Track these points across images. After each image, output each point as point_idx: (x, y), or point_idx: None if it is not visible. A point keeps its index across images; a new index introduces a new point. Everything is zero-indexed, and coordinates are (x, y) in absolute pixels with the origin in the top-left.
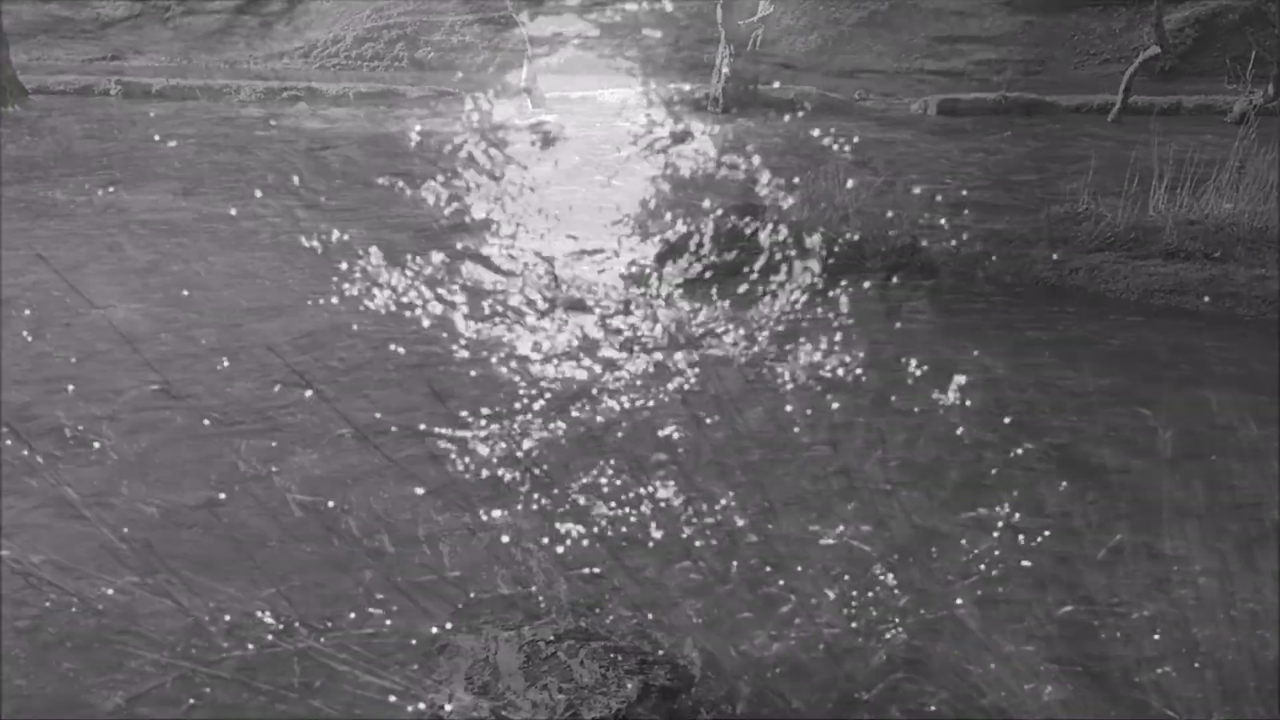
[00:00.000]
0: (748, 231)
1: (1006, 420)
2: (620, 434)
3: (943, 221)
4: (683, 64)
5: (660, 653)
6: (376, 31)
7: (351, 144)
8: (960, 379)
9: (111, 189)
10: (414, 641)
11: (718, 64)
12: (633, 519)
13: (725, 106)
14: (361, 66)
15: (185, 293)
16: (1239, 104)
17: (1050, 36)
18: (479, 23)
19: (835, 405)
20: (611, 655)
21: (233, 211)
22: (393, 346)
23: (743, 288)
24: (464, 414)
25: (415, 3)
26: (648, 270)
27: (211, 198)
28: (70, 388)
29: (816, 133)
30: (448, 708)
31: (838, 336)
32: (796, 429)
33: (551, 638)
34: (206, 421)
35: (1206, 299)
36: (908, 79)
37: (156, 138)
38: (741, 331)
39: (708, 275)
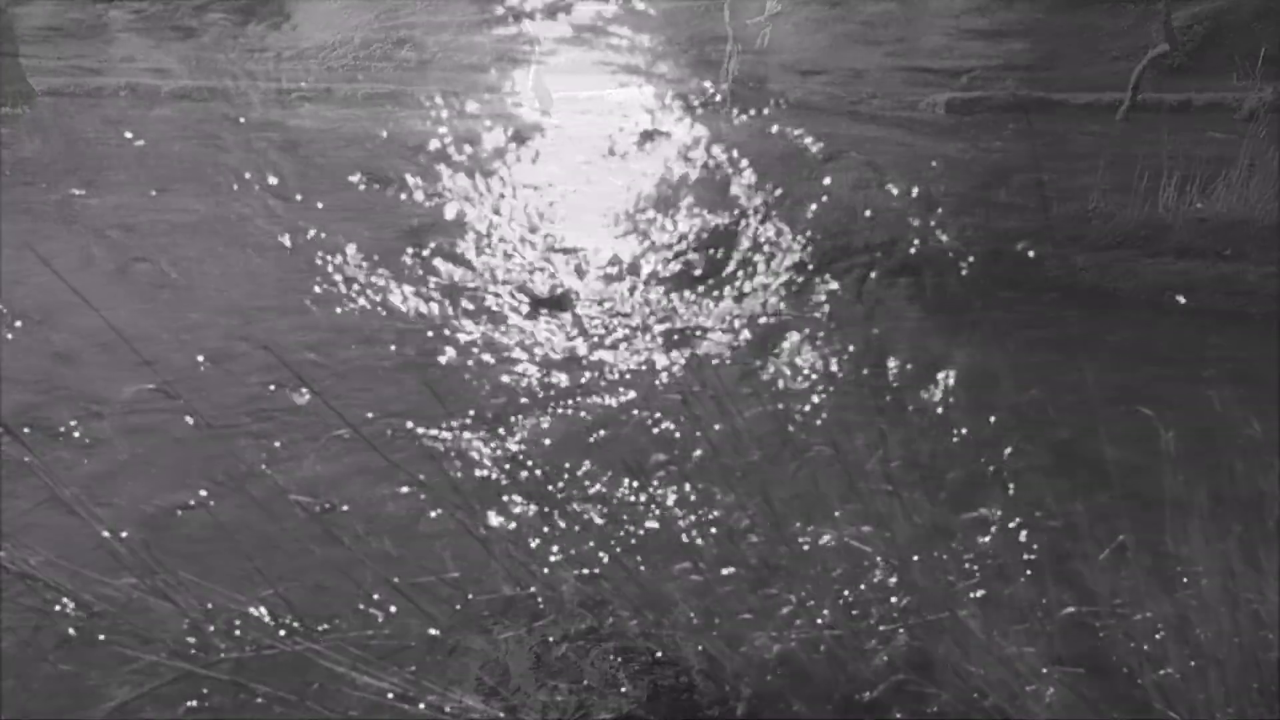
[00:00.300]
0: (733, 230)
1: (1008, 418)
2: (615, 432)
3: (947, 220)
4: (690, 63)
5: (662, 654)
6: (386, 32)
7: (350, 145)
8: (961, 376)
9: (112, 190)
10: (412, 643)
11: (725, 63)
12: (631, 518)
13: (732, 106)
14: (370, 67)
15: (181, 293)
16: (1249, 101)
17: (1059, 34)
18: (486, 24)
19: (829, 402)
20: (622, 655)
21: (233, 212)
22: (383, 346)
23: (726, 286)
24: (458, 413)
25: (422, 4)
26: (629, 268)
27: (212, 198)
28: (66, 387)
29: (821, 131)
30: (455, 709)
31: (826, 333)
32: (792, 427)
33: (561, 638)
34: (199, 421)
35: (1218, 296)
36: (917, 77)
37: (161, 140)
38: (726, 328)
39: (691, 273)
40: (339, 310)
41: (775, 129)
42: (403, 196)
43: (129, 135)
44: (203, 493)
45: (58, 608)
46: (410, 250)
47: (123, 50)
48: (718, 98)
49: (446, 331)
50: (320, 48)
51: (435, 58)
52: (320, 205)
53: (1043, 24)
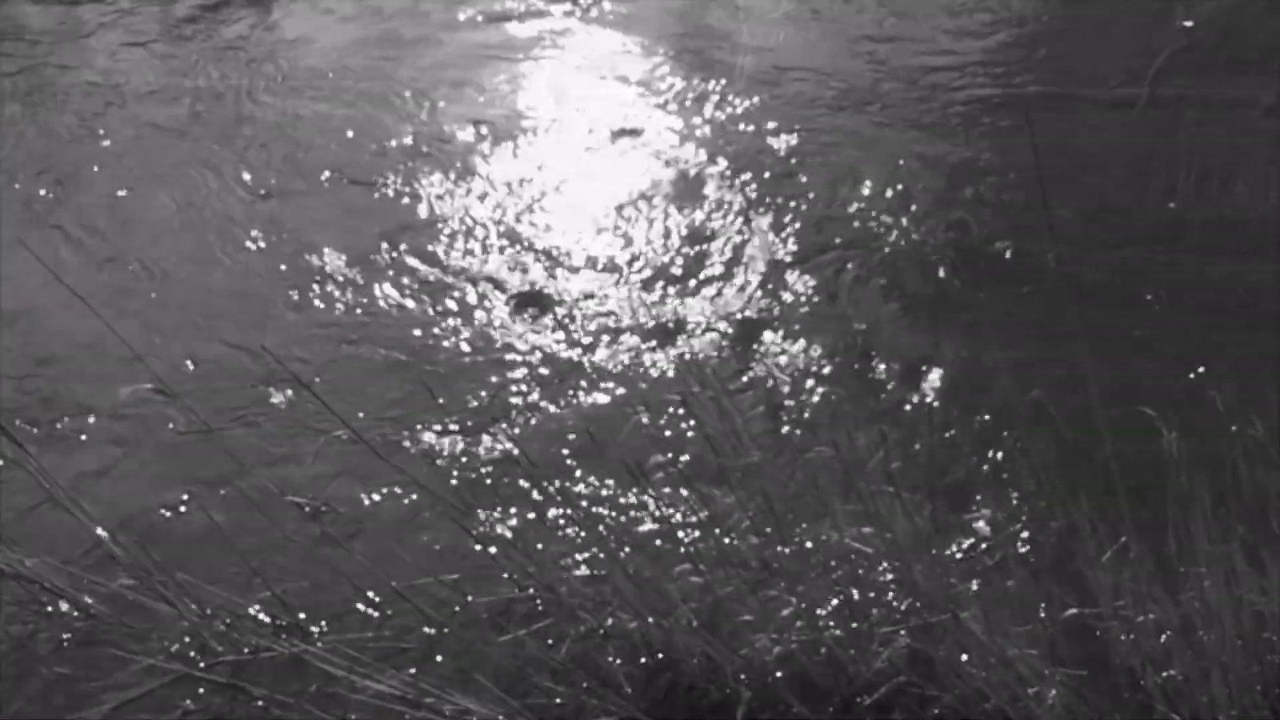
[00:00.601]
0: (713, 228)
1: (1010, 418)
2: (610, 431)
3: (951, 217)
4: (685, 60)
5: (662, 655)
6: (393, 32)
7: (328, 143)
8: (962, 376)
9: (85, 189)
10: (411, 646)
11: (740, 62)
12: (628, 518)
13: (736, 102)
14: (349, 66)
15: (162, 293)
16: (1266, 96)
17: (1072, 29)
18: (472, 24)
19: (829, 403)
20: (622, 657)
21: (209, 211)
22: (369, 346)
23: (708, 285)
24: (452, 413)
25: (405, 3)
26: (613, 266)
27: (186, 197)
28: (57, 388)
29: (821, 128)
30: (454, 712)
31: (827, 332)
32: (787, 427)
33: (561, 639)
34: (194, 422)
35: (1228, 294)
36: (922, 72)
37: (134, 138)
38: (709, 325)
39: (672, 272)
40: (322, 310)
41: (771, 126)
42: (380, 195)
43: (101, 133)
44: (197, 494)
45: (52, 609)
46: (391, 249)
47: (94, 49)
48: (730, 94)
49: (435, 331)
50: (298, 46)
51: (419, 56)
52: (297, 203)
53: (1055, 19)
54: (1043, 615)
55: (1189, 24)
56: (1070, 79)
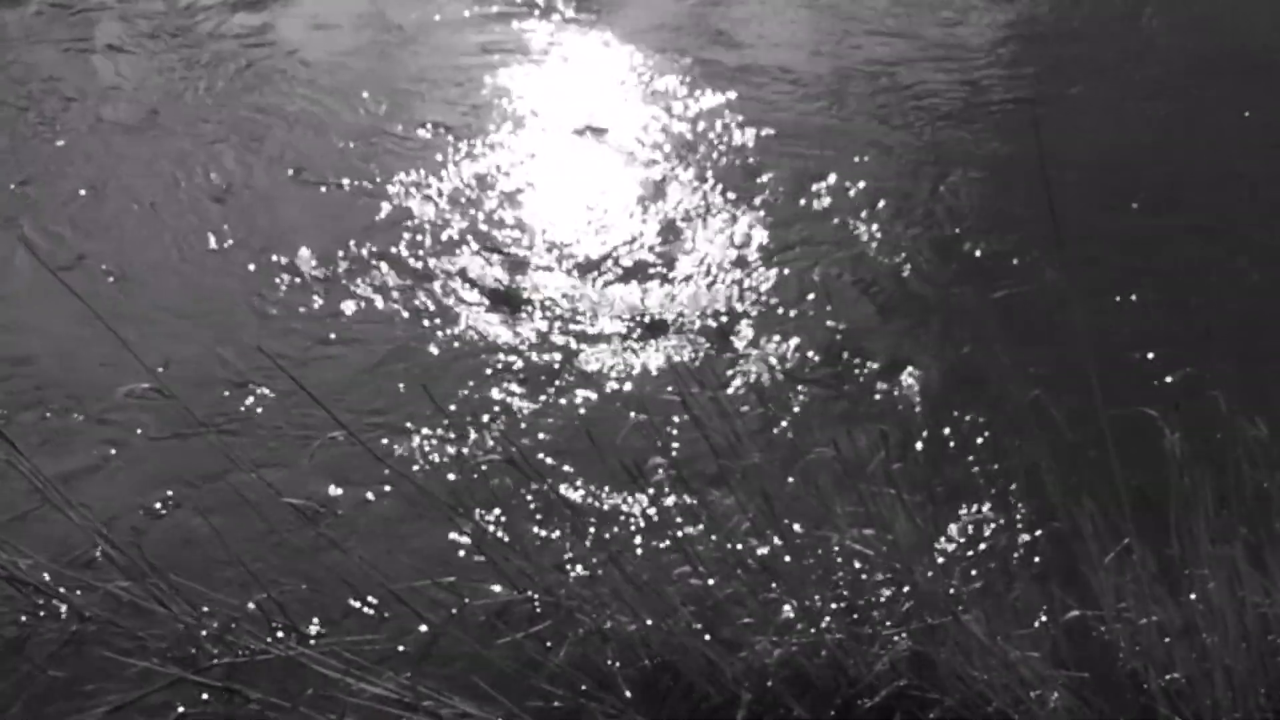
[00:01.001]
0: (684, 225)
1: (1011, 419)
2: (602, 429)
3: (949, 214)
4: (668, 59)
5: (661, 658)
6: (360, 31)
7: (298, 143)
8: (963, 376)
9: (50, 189)
10: (408, 648)
11: (710, 59)
12: (626, 518)
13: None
14: (351, 63)
15: (134, 294)
16: (1260, 96)
17: (1054, 27)
18: (467, 20)
19: (806, 398)
20: (620, 659)
21: (176, 210)
22: (352, 346)
23: (681, 283)
24: (446, 414)
25: (397, 4)
26: (583, 265)
27: (150, 197)
28: (49, 388)
29: (795, 127)
30: (452, 715)
31: (792, 327)
32: (777, 428)
33: (559, 641)
34: (189, 423)
35: (1232, 294)
36: (898, 71)
37: (95, 136)
38: (685, 323)
39: (645, 270)
40: (293, 311)
41: (740, 122)
42: (347, 194)
43: (58, 130)
44: (190, 495)
45: (45, 612)
46: (359, 248)
47: (55, 47)
48: (696, 93)
49: (413, 330)
50: (261, 44)
51: (387, 55)
52: (262, 202)
53: (1032, 19)
54: (1045, 617)
55: (1157, 24)
56: (1061, 78)
